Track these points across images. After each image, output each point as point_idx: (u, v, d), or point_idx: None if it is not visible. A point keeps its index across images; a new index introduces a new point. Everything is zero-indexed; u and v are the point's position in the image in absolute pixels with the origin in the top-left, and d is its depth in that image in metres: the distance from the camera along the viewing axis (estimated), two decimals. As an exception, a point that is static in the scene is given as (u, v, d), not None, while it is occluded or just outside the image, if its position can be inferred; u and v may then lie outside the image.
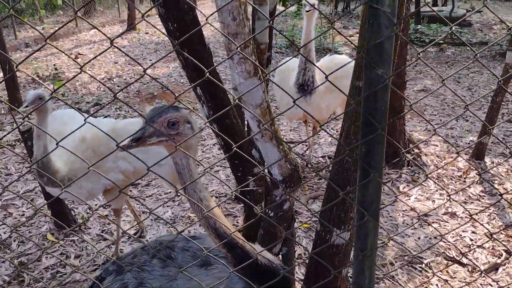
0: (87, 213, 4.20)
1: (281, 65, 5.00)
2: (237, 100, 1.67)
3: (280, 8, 15.76)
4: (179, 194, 1.45)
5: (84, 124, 1.34)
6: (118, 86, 8.07)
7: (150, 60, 9.99)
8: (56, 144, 1.25)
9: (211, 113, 2.89)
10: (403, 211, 4.20)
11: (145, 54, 10.63)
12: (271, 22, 1.29)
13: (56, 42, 11.96)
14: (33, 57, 10.27)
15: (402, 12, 2.02)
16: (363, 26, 2.03)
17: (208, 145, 5.67)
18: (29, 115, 3.05)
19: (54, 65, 9.08)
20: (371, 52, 1.03)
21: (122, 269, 1.71)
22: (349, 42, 12.30)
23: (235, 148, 1.46)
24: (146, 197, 4.47)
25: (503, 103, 6.39)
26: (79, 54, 10.35)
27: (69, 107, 6.70)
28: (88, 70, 9.08)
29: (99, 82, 1.23)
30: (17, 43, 10.95)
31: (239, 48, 1.44)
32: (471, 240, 3.73)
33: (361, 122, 1.13)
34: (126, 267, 1.68)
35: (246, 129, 3.46)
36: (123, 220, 4.14)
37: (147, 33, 13.33)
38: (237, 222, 3.94)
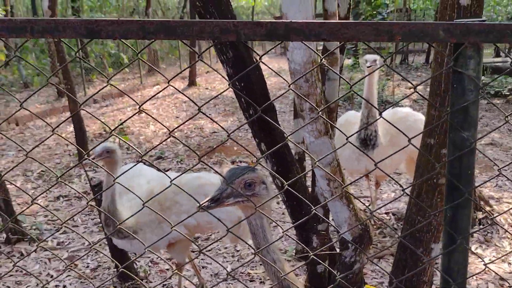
0: (149, 266, 4.23)
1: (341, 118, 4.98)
2: (316, 163, 1.66)
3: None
4: (254, 254, 1.42)
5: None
6: (179, 140, 8.33)
7: (210, 114, 10.30)
8: (143, 204, 1.30)
9: (275, 169, 2.90)
10: (477, 274, 3.91)
11: (204, 109, 10.99)
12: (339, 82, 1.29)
13: (122, 98, 12.67)
14: (100, 112, 10.93)
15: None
16: (433, 83, 1.99)
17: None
18: (99, 167, 3.18)
19: (120, 120, 9.57)
20: (455, 115, 0.99)
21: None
22: (408, 95, 12.16)
23: (296, 204, 1.42)
24: (206, 251, 4.46)
25: None
26: (143, 109, 10.87)
27: (134, 161, 6.96)
28: (152, 125, 9.49)
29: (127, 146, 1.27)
30: (88, 100, 11.71)
31: (306, 110, 1.44)
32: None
33: (446, 186, 1.07)
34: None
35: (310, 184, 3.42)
36: (184, 275, 4.13)
37: (207, 88, 13.86)
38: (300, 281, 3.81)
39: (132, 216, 2.73)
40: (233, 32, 0.99)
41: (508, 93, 10.44)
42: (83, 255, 4.36)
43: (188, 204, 2.95)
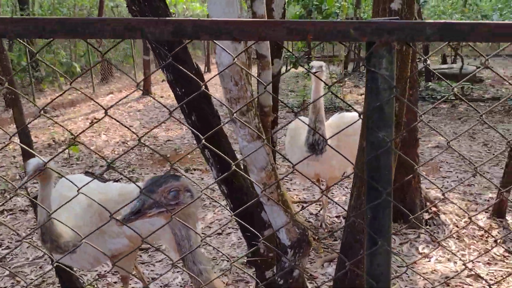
0: (96, 280, 4.08)
1: (288, 123, 5.00)
2: (242, 163, 1.63)
3: (294, 70, 16.13)
4: (176, 265, 1.37)
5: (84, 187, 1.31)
6: (132, 150, 8.14)
7: (164, 123, 10.15)
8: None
9: (220, 175, 2.85)
10: (424, 273, 3.99)
11: (159, 117, 10.83)
12: (267, 86, 1.27)
13: (73, 107, 12.30)
14: (50, 122, 10.54)
15: (407, 72, 2.00)
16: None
17: (220, 206, 5.58)
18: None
19: (69, 130, 9.26)
20: (371, 115, 0.99)
21: None
22: (360, 100, 12.38)
23: (242, 210, 1.39)
24: (156, 262, 4.35)
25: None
26: (95, 119, 10.57)
27: (82, 172, 6.73)
28: (104, 134, 9.24)
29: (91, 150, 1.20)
30: (36, 110, 11.26)
31: (236, 114, 1.41)
32: (499, 305, 3.50)
33: (366, 187, 1.06)
34: None
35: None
36: (132, 287, 4.01)
37: (162, 96, 13.67)
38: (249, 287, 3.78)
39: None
40: (138, 30, 0.94)
41: (453, 98, 10.85)
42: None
43: None
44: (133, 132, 1.31)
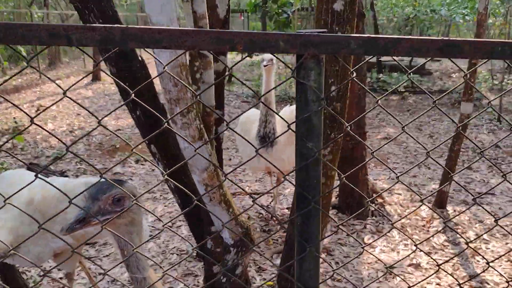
0: (40, 276, 3.95)
1: (240, 115, 4.99)
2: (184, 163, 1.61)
3: (249, 59, 16.07)
4: (104, 274, 1.34)
5: (33, 182, 1.26)
6: (81, 139, 7.91)
7: (114, 112, 9.90)
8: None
9: (166, 170, 2.82)
10: (368, 263, 4.13)
11: (109, 105, 10.55)
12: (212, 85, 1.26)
13: (18, 94, 11.76)
14: (-7, 109, 10.05)
15: (349, 62, 2.04)
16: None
17: (170, 198, 5.52)
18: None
19: (14, 118, 8.86)
20: (300, 125, 1.00)
21: None
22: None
23: (191, 205, 1.38)
24: (103, 256, 4.27)
25: (463, 149, 6.56)
26: (41, 106, 10.17)
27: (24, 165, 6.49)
28: (50, 122, 8.91)
29: (51, 134, 1.15)
30: (-23, 95, 10.70)
31: (179, 115, 1.40)
32: (437, 292, 3.67)
33: (295, 194, 1.08)
34: None
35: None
36: (79, 283, 3.92)
37: (112, 83, 13.30)
38: (198, 282, 3.77)
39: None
40: (64, 37, 0.91)
41: (403, 90, 11.19)
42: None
43: (73, 212, 2.77)
44: (92, 114, 1.25)
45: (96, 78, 13.24)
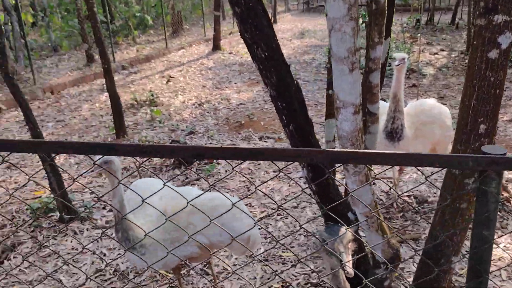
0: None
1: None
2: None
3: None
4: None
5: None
6: (207, 112, 8.65)
7: (236, 83, 10.53)
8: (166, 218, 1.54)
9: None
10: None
11: (230, 77, 11.19)
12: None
13: (149, 63, 12.92)
14: (130, 80, 11.24)
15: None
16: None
17: (295, 178, 5.97)
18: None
19: (150, 90, 9.87)
20: (480, 220, 1.29)
21: None
22: (433, 61, 12.03)
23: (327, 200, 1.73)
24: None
25: None
26: (170, 77, 11.13)
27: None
28: (180, 95, 9.79)
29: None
30: (115, 66, 11.96)
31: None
32: None
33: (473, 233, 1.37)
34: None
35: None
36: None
37: (231, 53, 13.97)
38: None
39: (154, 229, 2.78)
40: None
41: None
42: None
43: (202, 225, 2.81)
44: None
45: (216, 47, 13.98)
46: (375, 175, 5.95)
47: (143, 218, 3.12)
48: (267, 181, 5.72)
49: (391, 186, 5.65)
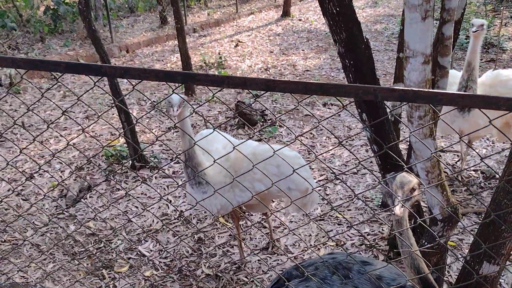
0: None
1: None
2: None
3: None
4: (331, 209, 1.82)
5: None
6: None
7: (303, 50, 10.47)
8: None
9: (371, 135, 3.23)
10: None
11: (297, 43, 11.13)
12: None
13: (218, 28, 13.10)
14: (200, 43, 11.50)
15: None
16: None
17: (356, 145, 5.96)
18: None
19: (218, 53, 10.07)
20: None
21: (305, 276, 2.14)
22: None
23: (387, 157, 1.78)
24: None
25: None
26: (239, 42, 11.25)
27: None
28: (247, 59, 9.90)
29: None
30: (187, 28, 12.23)
31: (417, 117, 1.76)
32: None
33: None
34: (311, 275, 2.11)
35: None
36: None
37: (300, 19, 13.81)
38: (382, 229, 4.23)
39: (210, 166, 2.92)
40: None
41: None
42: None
43: (261, 173, 3.01)
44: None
45: (285, 13, 13.88)
46: (442, 148, 5.82)
47: (208, 161, 3.32)
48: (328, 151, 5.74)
49: (457, 160, 5.50)
